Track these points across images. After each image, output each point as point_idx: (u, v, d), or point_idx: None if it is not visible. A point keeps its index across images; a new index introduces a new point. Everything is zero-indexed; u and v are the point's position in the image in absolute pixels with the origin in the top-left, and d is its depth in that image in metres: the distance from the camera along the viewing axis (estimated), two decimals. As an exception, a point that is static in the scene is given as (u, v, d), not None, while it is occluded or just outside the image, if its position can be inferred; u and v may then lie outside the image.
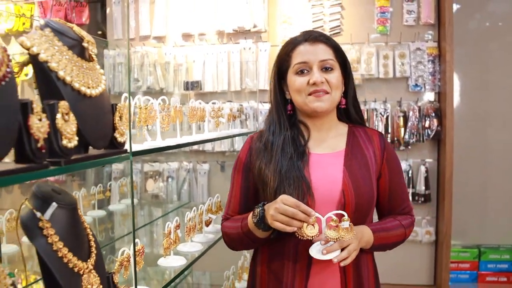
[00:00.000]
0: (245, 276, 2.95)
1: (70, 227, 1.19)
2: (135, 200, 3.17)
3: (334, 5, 4.04)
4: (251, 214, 1.58)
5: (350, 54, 3.96)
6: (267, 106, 4.01)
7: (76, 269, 1.16)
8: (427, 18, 3.91)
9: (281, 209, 1.46)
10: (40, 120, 0.97)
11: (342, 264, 1.48)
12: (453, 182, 3.76)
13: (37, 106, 0.97)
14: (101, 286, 1.24)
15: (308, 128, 1.68)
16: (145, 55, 4.05)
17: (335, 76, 1.61)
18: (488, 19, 4.15)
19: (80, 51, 1.17)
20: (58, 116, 1.02)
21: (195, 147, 4.00)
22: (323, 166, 1.63)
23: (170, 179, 4.13)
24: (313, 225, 1.45)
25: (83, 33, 1.21)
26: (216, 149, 4.05)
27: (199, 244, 2.09)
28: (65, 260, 1.14)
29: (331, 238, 1.44)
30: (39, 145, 0.96)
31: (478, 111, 4.17)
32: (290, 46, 1.66)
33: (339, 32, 4.06)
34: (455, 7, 4.01)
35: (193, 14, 4.01)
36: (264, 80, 3.97)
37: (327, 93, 1.60)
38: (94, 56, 1.23)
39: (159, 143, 1.66)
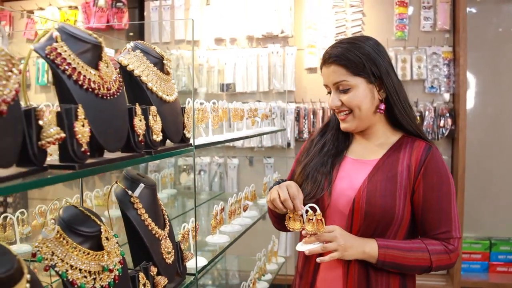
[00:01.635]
0: (273, 259, 3.28)
1: (152, 202, 1.53)
2: (174, 191, 3.51)
3: (356, 12, 4.32)
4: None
5: (371, 58, 4.24)
6: (293, 106, 4.33)
7: (157, 236, 1.50)
8: (443, 24, 4.17)
9: (280, 190, 1.57)
10: (140, 120, 1.31)
11: (318, 260, 1.54)
12: (465, 178, 4.00)
13: (138, 109, 1.31)
14: (173, 251, 1.58)
15: (353, 134, 1.73)
16: (180, 58, 4.38)
17: (353, 95, 1.59)
18: (501, 24, 4.39)
19: (161, 67, 1.51)
20: (150, 117, 1.36)
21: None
22: (350, 171, 1.66)
23: (202, 173, 4.47)
24: (300, 220, 1.55)
25: (162, 52, 1.54)
26: (246, 145, 4.38)
27: (238, 226, 2.43)
28: (150, 228, 1.48)
29: (308, 231, 1.52)
30: (140, 139, 1.30)
31: (490, 111, 4.41)
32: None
33: (360, 37, 4.34)
34: (469, 11, 4.26)
35: (225, 20, 4.33)
36: (290, 82, 4.28)
37: (349, 113, 1.62)
38: (169, 70, 1.56)
39: (212, 138, 1.99)
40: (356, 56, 1.58)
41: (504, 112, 4.39)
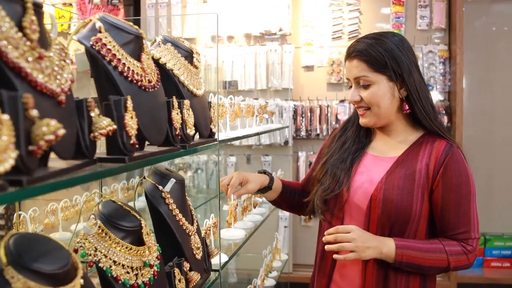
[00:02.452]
0: (277, 256, 3.28)
1: (181, 198, 1.51)
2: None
3: (353, 10, 4.35)
4: None
5: (368, 56, 4.26)
6: (291, 104, 4.33)
7: (187, 231, 1.48)
8: (439, 23, 4.22)
9: (229, 176, 1.76)
10: (177, 114, 1.29)
11: (334, 256, 1.56)
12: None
13: (175, 103, 1.29)
14: (201, 246, 1.56)
15: (375, 129, 1.73)
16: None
17: (373, 92, 1.58)
18: (493, 23, 4.45)
19: (190, 60, 1.49)
20: (184, 111, 1.35)
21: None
22: (370, 167, 1.66)
23: (199, 171, 4.44)
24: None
25: (192, 46, 1.52)
26: (243, 143, 4.37)
27: (250, 222, 2.42)
28: (181, 223, 1.46)
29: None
30: (177, 132, 1.28)
31: (485, 108, 4.48)
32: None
33: (357, 36, 4.36)
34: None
35: (222, 17, 4.32)
36: (288, 79, 4.29)
37: (368, 109, 1.62)
38: (198, 64, 1.54)
39: (230, 134, 1.98)
40: (378, 53, 1.57)
41: (497, 110, 4.46)
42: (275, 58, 4.29)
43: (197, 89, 1.48)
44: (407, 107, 1.63)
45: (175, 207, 1.44)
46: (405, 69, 1.58)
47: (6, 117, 0.67)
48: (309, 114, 4.37)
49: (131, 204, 1.32)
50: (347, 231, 1.54)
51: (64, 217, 2.16)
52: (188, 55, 1.48)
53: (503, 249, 4.34)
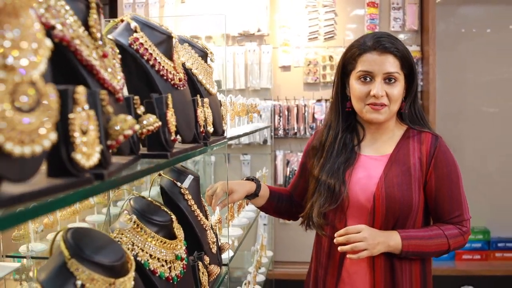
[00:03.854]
0: (263, 253, 3.33)
1: (197, 194, 1.55)
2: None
3: (329, 11, 4.43)
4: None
5: (343, 56, 4.36)
6: (269, 103, 4.39)
7: (204, 226, 1.52)
8: (412, 24, 4.36)
9: (215, 186, 1.76)
10: (201, 112, 1.33)
11: (348, 256, 1.60)
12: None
13: (200, 101, 1.33)
14: (215, 240, 1.60)
15: (364, 129, 1.75)
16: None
17: (397, 89, 1.61)
18: (462, 25, 4.63)
19: (205, 59, 1.53)
20: (204, 109, 1.39)
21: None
22: (366, 168, 1.70)
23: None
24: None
25: (205, 44, 1.56)
26: (222, 142, 4.39)
27: (245, 219, 2.46)
28: (199, 218, 1.50)
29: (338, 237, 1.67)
30: (201, 130, 1.32)
31: (455, 108, 4.65)
32: (357, 51, 1.65)
33: (332, 36, 4.46)
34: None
35: (201, 18, 4.34)
36: (266, 79, 4.34)
37: (385, 105, 1.62)
38: (211, 64, 1.58)
39: (231, 132, 2.03)
40: (408, 54, 1.64)
41: (466, 109, 4.63)
42: (253, 58, 4.34)
43: (212, 88, 1.52)
44: (402, 106, 1.70)
45: (193, 202, 1.48)
46: (415, 73, 1.68)
47: (92, 112, 0.70)
48: (286, 113, 4.44)
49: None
50: (358, 231, 1.58)
51: (62, 216, 2.15)
52: (204, 55, 1.52)
53: (473, 242, 4.51)
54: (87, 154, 0.67)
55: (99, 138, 0.71)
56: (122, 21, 1.16)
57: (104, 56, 0.83)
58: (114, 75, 0.86)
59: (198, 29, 4.36)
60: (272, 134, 4.43)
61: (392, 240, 1.60)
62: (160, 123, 1.00)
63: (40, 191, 0.58)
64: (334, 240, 1.62)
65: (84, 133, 0.66)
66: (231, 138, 1.83)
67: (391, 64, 1.61)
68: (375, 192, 1.63)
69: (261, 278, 2.93)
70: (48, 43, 0.58)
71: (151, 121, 0.98)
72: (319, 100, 4.43)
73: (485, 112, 4.65)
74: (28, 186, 0.57)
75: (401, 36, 4.40)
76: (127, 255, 0.97)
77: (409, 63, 1.65)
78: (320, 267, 1.79)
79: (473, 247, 4.51)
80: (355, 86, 1.66)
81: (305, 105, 4.43)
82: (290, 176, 4.42)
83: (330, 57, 4.40)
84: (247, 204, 2.60)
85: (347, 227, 1.61)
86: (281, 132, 4.44)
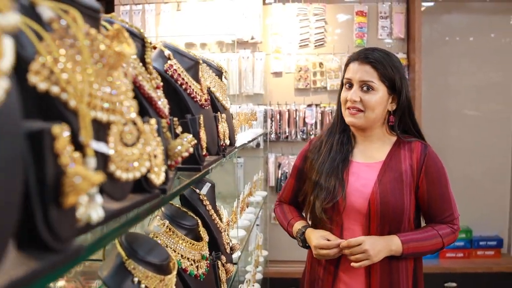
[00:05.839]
0: (259, 252, 3.49)
1: (213, 199, 1.70)
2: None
3: (319, 20, 4.61)
4: (294, 229, 1.91)
5: (333, 63, 4.55)
6: (262, 108, 4.55)
7: (220, 228, 1.67)
8: (398, 33, 4.55)
9: (318, 252, 1.78)
10: (221, 127, 1.48)
11: (351, 264, 1.72)
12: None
13: (220, 116, 1.48)
14: (229, 241, 1.76)
15: (355, 137, 1.88)
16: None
17: (374, 98, 1.73)
18: (447, 32, 4.84)
19: (220, 77, 1.68)
20: (223, 124, 1.54)
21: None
22: (359, 175, 1.80)
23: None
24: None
25: (220, 64, 1.71)
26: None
27: (247, 221, 2.62)
28: (216, 221, 1.65)
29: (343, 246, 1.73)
30: (221, 142, 1.47)
31: (439, 111, 4.84)
32: (347, 61, 1.83)
33: (322, 44, 4.63)
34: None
35: (196, 25, 4.47)
36: (260, 85, 4.51)
37: (361, 111, 1.75)
38: (225, 81, 1.73)
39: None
40: (389, 67, 1.75)
41: (449, 113, 4.84)
42: (247, 65, 4.49)
43: (226, 103, 1.67)
44: (392, 119, 1.82)
45: (210, 207, 1.63)
46: (403, 88, 1.78)
47: (159, 139, 0.85)
48: (278, 117, 4.60)
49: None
50: (358, 243, 1.70)
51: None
52: (219, 73, 1.67)
53: (457, 241, 4.66)
54: (158, 174, 0.82)
55: (164, 160, 0.86)
56: (154, 48, 1.31)
57: (157, 87, 0.99)
58: (164, 103, 1.02)
59: (193, 36, 4.49)
60: (265, 137, 4.59)
61: (394, 245, 1.72)
62: (195, 141, 1.15)
63: (129, 206, 0.73)
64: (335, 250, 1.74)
65: (155, 156, 0.82)
66: (240, 147, 1.98)
67: (367, 73, 1.74)
68: (370, 197, 1.74)
69: (259, 276, 3.09)
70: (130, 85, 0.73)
71: (189, 139, 1.13)
72: (309, 105, 4.61)
73: (468, 116, 4.86)
74: (120, 203, 0.72)
75: (388, 44, 4.59)
76: (170, 256, 1.12)
77: (389, 76, 1.74)
78: (318, 266, 1.88)
79: (456, 245, 4.71)
80: (342, 91, 1.84)
81: (296, 110, 4.59)
82: (282, 178, 4.59)
83: (320, 64, 4.58)
84: (247, 207, 2.76)
85: (350, 240, 1.72)
86: (273, 135, 4.60)
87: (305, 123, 4.58)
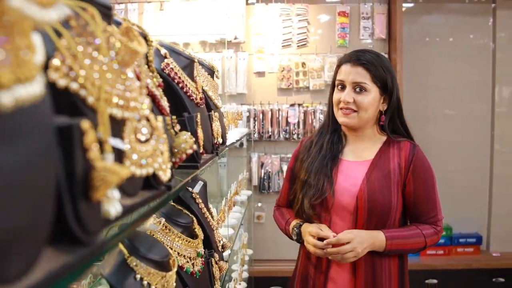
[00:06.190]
0: (244, 251, 3.51)
1: (205, 197, 1.71)
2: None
3: (302, 20, 4.64)
4: (291, 226, 1.92)
5: (315, 63, 4.58)
6: (245, 107, 4.56)
7: (212, 226, 1.69)
8: (380, 33, 4.61)
9: (310, 248, 1.79)
10: (215, 125, 1.49)
11: (330, 257, 1.75)
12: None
13: (214, 115, 1.49)
14: (221, 239, 1.77)
15: (346, 136, 1.91)
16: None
17: (367, 98, 1.77)
18: (427, 33, 4.92)
19: (212, 76, 1.70)
20: (216, 122, 1.55)
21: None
22: (348, 172, 1.84)
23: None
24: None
25: (212, 63, 1.73)
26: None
27: (234, 220, 2.64)
28: (208, 219, 1.66)
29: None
30: (215, 141, 1.49)
31: (419, 110, 4.91)
32: (339, 62, 1.87)
33: (305, 44, 4.66)
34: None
35: (179, 25, 4.46)
36: (243, 85, 4.52)
37: (354, 111, 1.79)
38: (216, 80, 1.74)
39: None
40: (381, 68, 1.79)
41: (429, 112, 4.90)
42: (230, 65, 4.50)
43: (218, 102, 1.68)
44: (383, 119, 1.86)
45: (203, 206, 1.64)
46: (394, 89, 1.82)
47: (165, 136, 0.86)
48: (261, 117, 4.62)
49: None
50: (348, 241, 1.71)
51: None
52: (211, 72, 1.68)
53: (436, 238, 4.79)
54: (165, 170, 0.83)
55: (169, 157, 0.87)
56: (150, 46, 1.31)
57: (159, 85, 1.00)
58: (165, 101, 1.03)
59: (176, 36, 4.48)
60: (248, 137, 4.60)
61: (378, 240, 1.75)
62: (193, 139, 1.16)
63: (141, 201, 0.74)
64: (324, 251, 1.75)
65: (162, 153, 0.83)
66: (229, 145, 2.00)
67: (359, 75, 1.78)
68: (358, 194, 1.77)
69: (245, 275, 3.11)
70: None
71: (188, 137, 1.14)
72: (292, 105, 4.64)
73: (447, 115, 4.94)
74: (132, 199, 0.73)
75: (369, 44, 4.64)
76: (170, 253, 1.13)
77: (381, 77, 1.79)
78: (310, 265, 1.91)
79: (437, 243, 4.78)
80: (334, 93, 1.87)
81: (279, 110, 4.62)
82: (265, 177, 4.61)
83: (303, 64, 4.61)
84: (234, 206, 2.77)
85: (339, 237, 1.72)
86: (255, 135, 4.62)
87: (288, 123, 4.61)
